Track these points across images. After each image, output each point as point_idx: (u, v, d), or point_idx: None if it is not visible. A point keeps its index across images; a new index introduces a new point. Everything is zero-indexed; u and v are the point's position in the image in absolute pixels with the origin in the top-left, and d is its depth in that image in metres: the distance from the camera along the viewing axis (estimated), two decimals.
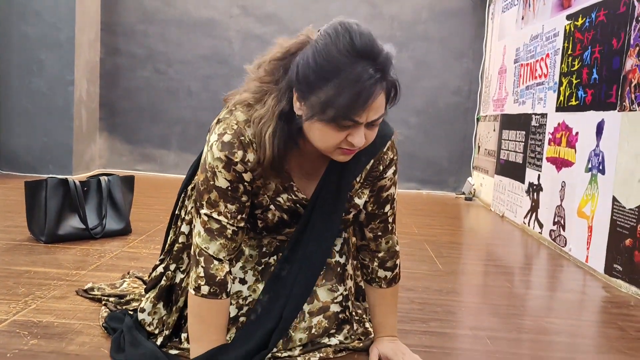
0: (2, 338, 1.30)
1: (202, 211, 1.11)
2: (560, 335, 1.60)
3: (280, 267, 1.23)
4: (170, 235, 1.36)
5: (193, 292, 1.12)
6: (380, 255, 1.30)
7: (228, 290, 1.14)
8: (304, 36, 1.05)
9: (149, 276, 1.44)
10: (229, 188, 1.10)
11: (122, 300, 1.53)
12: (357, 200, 1.23)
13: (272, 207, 1.19)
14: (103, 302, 1.53)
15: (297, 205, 1.20)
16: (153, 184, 4.13)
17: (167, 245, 1.36)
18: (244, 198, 1.13)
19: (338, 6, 4.53)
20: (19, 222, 2.46)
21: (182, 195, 1.35)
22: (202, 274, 1.11)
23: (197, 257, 1.12)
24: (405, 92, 4.56)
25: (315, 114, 0.98)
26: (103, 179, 2.38)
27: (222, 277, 1.12)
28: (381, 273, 1.30)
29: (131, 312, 1.39)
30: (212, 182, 1.10)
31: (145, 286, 1.50)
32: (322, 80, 0.96)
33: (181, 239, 1.32)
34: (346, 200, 1.20)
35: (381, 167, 1.22)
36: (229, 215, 1.11)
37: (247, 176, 1.10)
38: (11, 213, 2.72)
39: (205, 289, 1.11)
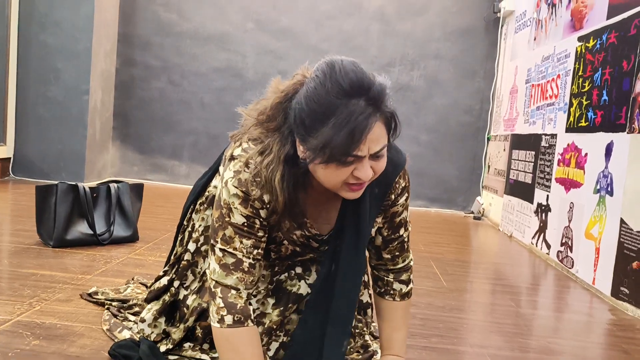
0: (5, 338, 1.31)
1: (217, 247, 1.09)
2: (563, 356, 1.58)
3: (306, 317, 1.19)
4: (176, 249, 1.37)
5: (218, 326, 1.07)
6: (397, 268, 1.29)
7: (252, 318, 1.10)
8: (299, 76, 1.05)
9: (150, 285, 1.45)
10: (245, 224, 1.08)
11: (124, 305, 1.54)
12: (370, 229, 1.21)
13: (285, 242, 1.19)
14: (106, 307, 1.54)
15: (310, 240, 1.21)
16: (163, 193, 4.16)
17: (172, 258, 1.37)
18: (260, 233, 1.11)
19: (352, 23, 4.58)
20: (29, 226, 2.49)
21: (191, 208, 1.35)
22: (221, 305, 1.07)
23: (213, 290, 1.09)
24: (417, 110, 4.58)
25: (316, 156, 0.97)
26: (112, 186, 2.41)
27: (243, 305, 1.08)
28: (397, 285, 1.28)
29: (148, 340, 1.33)
30: (227, 219, 1.08)
31: (146, 294, 1.50)
32: (317, 124, 0.96)
33: (187, 256, 1.32)
34: (368, 233, 1.18)
35: (393, 197, 1.21)
36: (244, 250, 1.09)
37: (263, 212, 1.09)
38: (22, 217, 2.76)
39: (229, 319, 1.07)
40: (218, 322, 1.08)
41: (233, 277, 1.08)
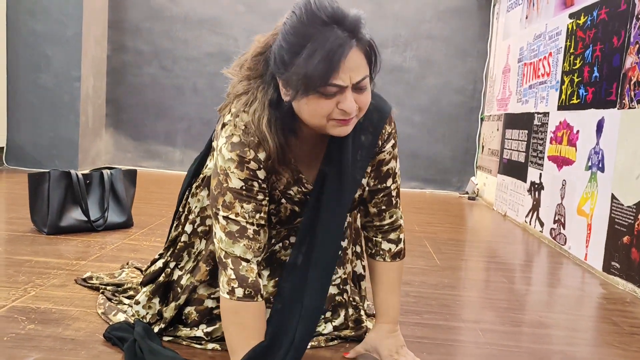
0: (0, 323, 1.32)
1: (220, 214, 1.09)
2: (553, 329, 1.61)
3: (294, 257, 1.19)
4: (172, 232, 1.38)
5: (227, 296, 1.07)
6: (384, 228, 1.28)
7: (262, 292, 1.10)
8: (279, 27, 1.05)
9: (146, 269, 1.45)
10: (243, 188, 1.08)
11: (119, 289, 1.55)
12: (358, 177, 1.20)
13: (283, 200, 1.19)
14: (100, 291, 1.55)
15: (307, 196, 1.20)
16: (157, 179, 4.16)
17: (169, 241, 1.38)
18: (260, 196, 1.11)
19: (343, 5, 4.52)
20: (22, 214, 2.49)
21: (186, 192, 1.36)
22: (233, 276, 1.07)
23: (224, 260, 1.09)
24: (410, 91, 4.58)
25: (299, 90, 0.98)
26: (106, 172, 2.41)
27: (254, 279, 1.08)
28: (385, 245, 1.27)
29: (142, 322, 1.33)
30: (225, 185, 1.08)
31: (142, 277, 1.51)
32: (295, 56, 0.97)
33: (183, 237, 1.33)
34: (352, 179, 1.17)
35: (380, 142, 1.21)
36: (246, 215, 1.09)
37: (260, 173, 1.09)
38: (15, 205, 2.76)
39: (239, 292, 1.07)
40: (228, 293, 1.08)
41: (240, 244, 1.08)
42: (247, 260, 1.09)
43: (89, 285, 1.62)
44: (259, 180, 1.10)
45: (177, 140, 4.74)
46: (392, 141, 1.23)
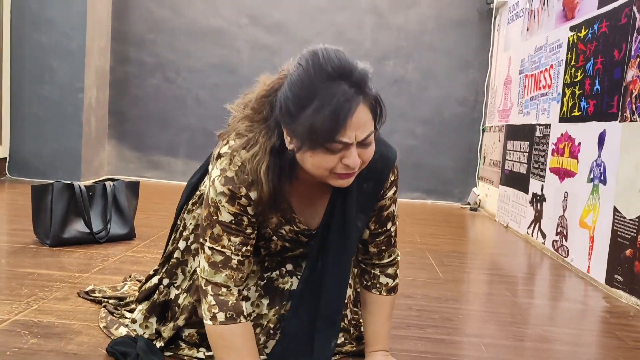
0: (3, 337, 1.33)
1: (206, 245, 1.11)
2: (557, 344, 1.60)
3: (294, 311, 1.20)
4: (168, 246, 1.38)
5: (211, 323, 1.09)
6: (383, 263, 1.30)
7: (245, 314, 1.12)
8: (285, 71, 1.05)
9: (141, 285, 1.44)
10: (233, 222, 1.09)
11: (121, 303, 1.55)
12: (360, 225, 1.22)
13: (274, 238, 1.20)
14: (103, 304, 1.56)
15: (299, 235, 1.22)
16: (159, 190, 4.17)
17: (164, 257, 1.38)
18: (249, 230, 1.12)
19: (345, 17, 4.58)
20: (25, 225, 2.49)
21: (184, 208, 1.36)
22: (213, 302, 1.09)
23: (204, 288, 1.11)
24: (412, 103, 4.58)
25: (304, 143, 0.98)
26: (108, 184, 2.41)
27: (234, 302, 1.10)
28: (383, 279, 1.29)
29: (144, 336, 1.34)
30: (215, 217, 1.09)
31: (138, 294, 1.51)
32: (301, 109, 0.96)
33: (176, 254, 1.33)
34: (356, 228, 1.19)
35: (383, 190, 1.22)
36: (232, 247, 1.10)
37: (250, 209, 1.10)
38: (18, 217, 2.77)
39: (221, 316, 1.09)
40: (210, 319, 1.09)
41: (222, 274, 1.10)
42: (227, 287, 1.11)
43: (92, 298, 1.62)
44: (249, 215, 1.11)
45: (179, 151, 4.76)
46: (394, 188, 1.24)
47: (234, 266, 1.11)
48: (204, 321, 1.11)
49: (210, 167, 1.15)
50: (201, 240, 1.13)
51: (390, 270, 1.30)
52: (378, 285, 1.29)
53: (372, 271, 1.30)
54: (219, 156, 1.12)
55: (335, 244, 1.17)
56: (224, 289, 1.10)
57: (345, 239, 1.17)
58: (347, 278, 1.24)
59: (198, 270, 1.13)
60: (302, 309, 1.19)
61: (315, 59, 0.97)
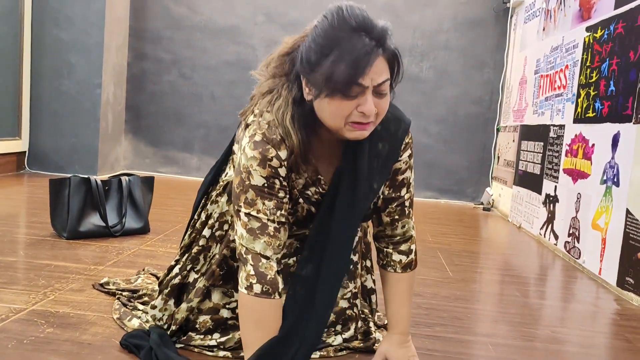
0: (21, 325, 1.37)
1: (242, 211, 1.11)
2: (566, 345, 1.60)
3: (302, 267, 1.20)
4: (185, 240, 1.40)
5: (245, 292, 1.10)
6: (395, 239, 1.30)
7: (280, 290, 1.12)
8: (308, 30, 1.10)
9: (164, 276, 1.46)
10: (265, 185, 1.11)
11: (134, 295, 1.59)
12: (375, 186, 1.22)
13: (300, 200, 1.21)
14: (117, 296, 1.59)
15: (324, 197, 1.22)
16: (174, 185, 4.22)
17: (182, 248, 1.40)
18: (281, 194, 1.13)
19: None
20: (43, 218, 2.55)
21: (202, 201, 1.38)
22: (252, 272, 1.10)
23: (245, 256, 1.11)
24: (426, 101, 4.59)
25: (322, 90, 1.03)
26: (124, 178, 2.46)
27: (273, 276, 1.10)
28: (396, 256, 1.29)
29: (157, 329, 1.35)
30: (247, 182, 1.11)
31: (158, 283, 1.53)
32: (322, 57, 1.02)
33: (201, 241, 1.35)
34: (367, 187, 1.19)
35: (395, 150, 1.23)
36: (268, 212, 1.11)
37: (282, 171, 1.12)
38: (37, 210, 2.83)
39: (257, 288, 1.09)
40: (246, 288, 1.10)
41: (260, 241, 1.11)
42: (267, 258, 1.11)
43: (106, 290, 1.65)
44: (281, 178, 1.13)
45: (194, 147, 4.81)
46: (409, 151, 1.26)
47: (271, 233, 1.11)
48: (239, 289, 1.11)
49: (236, 145, 1.18)
50: (236, 207, 1.13)
51: (403, 247, 1.30)
52: (392, 263, 1.30)
53: (385, 249, 1.31)
54: (247, 126, 1.15)
55: (344, 203, 1.17)
56: (264, 260, 1.10)
57: (354, 198, 1.17)
58: (352, 241, 1.24)
59: (236, 237, 1.14)
60: (308, 266, 1.19)
61: (339, 12, 1.03)
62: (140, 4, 4.68)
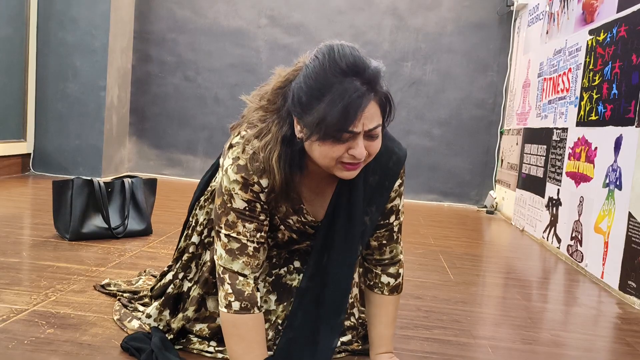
0: (22, 326, 1.38)
1: (222, 232, 1.14)
2: (566, 349, 1.60)
3: (303, 294, 1.22)
4: (180, 243, 1.41)
5: (225, 310, 1.13)
6: (384, 262, 1.31)
7: (259, 305, 1.15)
8: (301, 63, 1.08)
9: (156, 282, 1.48)
10: (247, 208, 1.12)
11: (135, 296, 1.59)
12: (367, 220, 1.23)
13: (282, 227, 1.23)
14: (117, 298, 1.60)
15: (306, 227, 1.24)
16: (177, 188, 4.24)
17: (176, 253, 1.41)
18: (262, 217, 1.15)
19: (364, 18, 4.59)
20: (47, 220, 2.57)
21: (196, 205, 1.39)
22: (230, 290, 1.12)
23: (222, 276, 1.14)
24: (429, 104, 4.58)
25: (313, 133, 1.01)
26: (127, 180, 2.47)
27: (250, 292, 1.13)
28: (384, 279, 1.30)
29: (159, 332, 1.36)
30: (229, 205, 1.12)
31: (150, 289, 1.54)
32: (314, 101, 1.00)
33: (191, 249, 1.36)
34: (361, 221, 1.21)
35: (387, 183, 1.24)
36: (248, 234, 1.13)
37: (263, 196, 1.13)
38: (40, 211, 2.85)
39: (236, 305, 1.12)
40: (225, 307, 1.13)
41: (239, 261, 1.13)
42: (244, 276, 1.13)
43: (107, 291, 1.66)
44: (261, 202, 1.14)
45: (198, 149, 4.82)
46: (400, 180, 1.26)
47: (250, 253, 1.14)
48: (219, 308, 1.15)
49: (221, 159, 1.18)
50: (217, 227, 1.16)
51: (391, 270, 1.31)
52: (380, 285, 1.30)
53: (374, 270, 1.31)
54: (231, 146, 1.15)
55: (341, 236, 1.19)
56: (241, 278, 1.13)
57: (350, 231, 1.19)
58: (352, 272, 1.25)
59: (215, 257, 1.16)
60: (307, 302, 1.21)
61: (331, 54, 1.01)
62: (145, 6, 4.70)
